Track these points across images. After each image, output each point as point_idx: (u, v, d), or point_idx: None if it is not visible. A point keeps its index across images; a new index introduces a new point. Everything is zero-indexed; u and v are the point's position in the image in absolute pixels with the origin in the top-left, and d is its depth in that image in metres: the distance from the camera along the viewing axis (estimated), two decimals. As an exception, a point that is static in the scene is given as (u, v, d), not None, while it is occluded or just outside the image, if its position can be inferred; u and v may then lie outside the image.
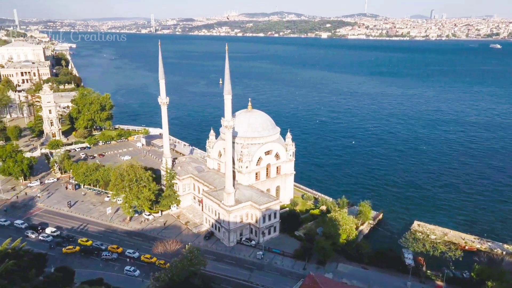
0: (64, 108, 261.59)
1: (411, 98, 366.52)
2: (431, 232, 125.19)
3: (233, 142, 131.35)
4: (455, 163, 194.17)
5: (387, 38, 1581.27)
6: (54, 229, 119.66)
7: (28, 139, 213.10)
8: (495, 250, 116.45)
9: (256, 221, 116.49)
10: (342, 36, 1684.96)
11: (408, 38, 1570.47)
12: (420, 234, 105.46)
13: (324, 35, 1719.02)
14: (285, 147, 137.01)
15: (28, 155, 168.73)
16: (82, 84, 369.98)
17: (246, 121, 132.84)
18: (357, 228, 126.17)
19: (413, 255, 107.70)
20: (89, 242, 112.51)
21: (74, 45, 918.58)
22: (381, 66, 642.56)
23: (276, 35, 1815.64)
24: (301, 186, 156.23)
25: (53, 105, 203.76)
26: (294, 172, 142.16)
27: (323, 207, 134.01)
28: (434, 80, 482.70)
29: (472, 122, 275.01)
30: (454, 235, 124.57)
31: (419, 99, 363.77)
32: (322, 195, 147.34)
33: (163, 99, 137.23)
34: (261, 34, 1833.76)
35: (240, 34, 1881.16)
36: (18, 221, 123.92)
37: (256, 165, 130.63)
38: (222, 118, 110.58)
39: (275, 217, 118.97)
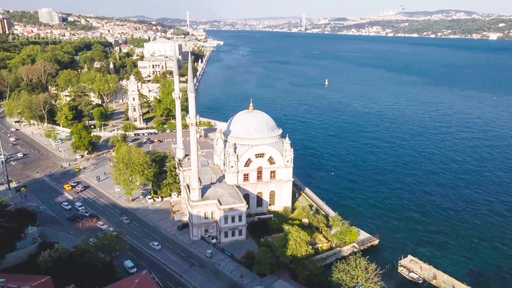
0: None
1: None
2: (419, 272, 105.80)
3: (225, 141, 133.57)
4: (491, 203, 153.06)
5: None
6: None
7: (120, 121, 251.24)
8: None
9: (219, 220, 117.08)
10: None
11: None
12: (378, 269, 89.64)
13: (493, 36, 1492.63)
14: (281, 152, 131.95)
15: (96, 133, 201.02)
16: (197, 76, 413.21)
17: (240, 121, 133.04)
18: (331, 249, 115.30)
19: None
20: None
21: (221, 43, 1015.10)
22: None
23: (433, 35, 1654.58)
24: (313, 196, 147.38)
25: (136, 93, 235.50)
26: (292, 179, 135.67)
27: (305, 220, 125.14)
28: None
29: None
30: (446, 280, 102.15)
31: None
32: (328, 209, 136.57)
33: (176, 94, 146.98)
34: (415, 35, 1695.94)
35: (391, 35, 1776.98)
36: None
37: (245, 166, 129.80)
38: (187, 115, 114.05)
39: (240, 219, 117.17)
